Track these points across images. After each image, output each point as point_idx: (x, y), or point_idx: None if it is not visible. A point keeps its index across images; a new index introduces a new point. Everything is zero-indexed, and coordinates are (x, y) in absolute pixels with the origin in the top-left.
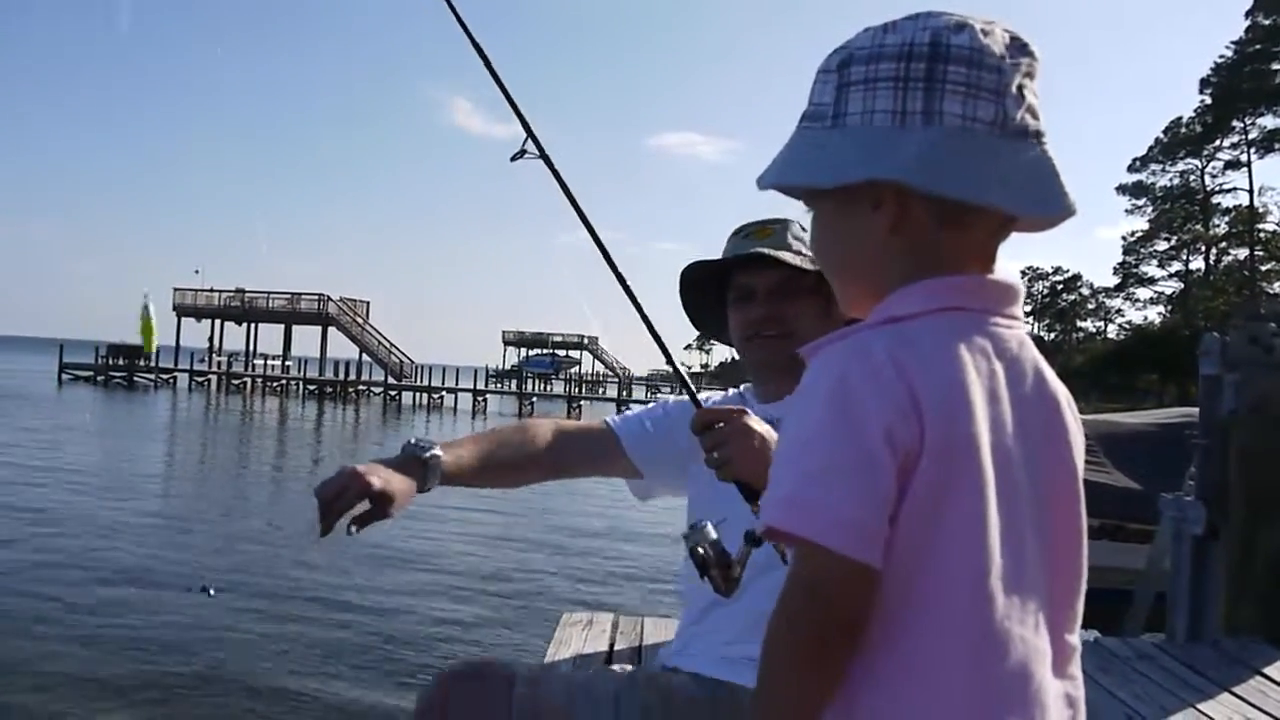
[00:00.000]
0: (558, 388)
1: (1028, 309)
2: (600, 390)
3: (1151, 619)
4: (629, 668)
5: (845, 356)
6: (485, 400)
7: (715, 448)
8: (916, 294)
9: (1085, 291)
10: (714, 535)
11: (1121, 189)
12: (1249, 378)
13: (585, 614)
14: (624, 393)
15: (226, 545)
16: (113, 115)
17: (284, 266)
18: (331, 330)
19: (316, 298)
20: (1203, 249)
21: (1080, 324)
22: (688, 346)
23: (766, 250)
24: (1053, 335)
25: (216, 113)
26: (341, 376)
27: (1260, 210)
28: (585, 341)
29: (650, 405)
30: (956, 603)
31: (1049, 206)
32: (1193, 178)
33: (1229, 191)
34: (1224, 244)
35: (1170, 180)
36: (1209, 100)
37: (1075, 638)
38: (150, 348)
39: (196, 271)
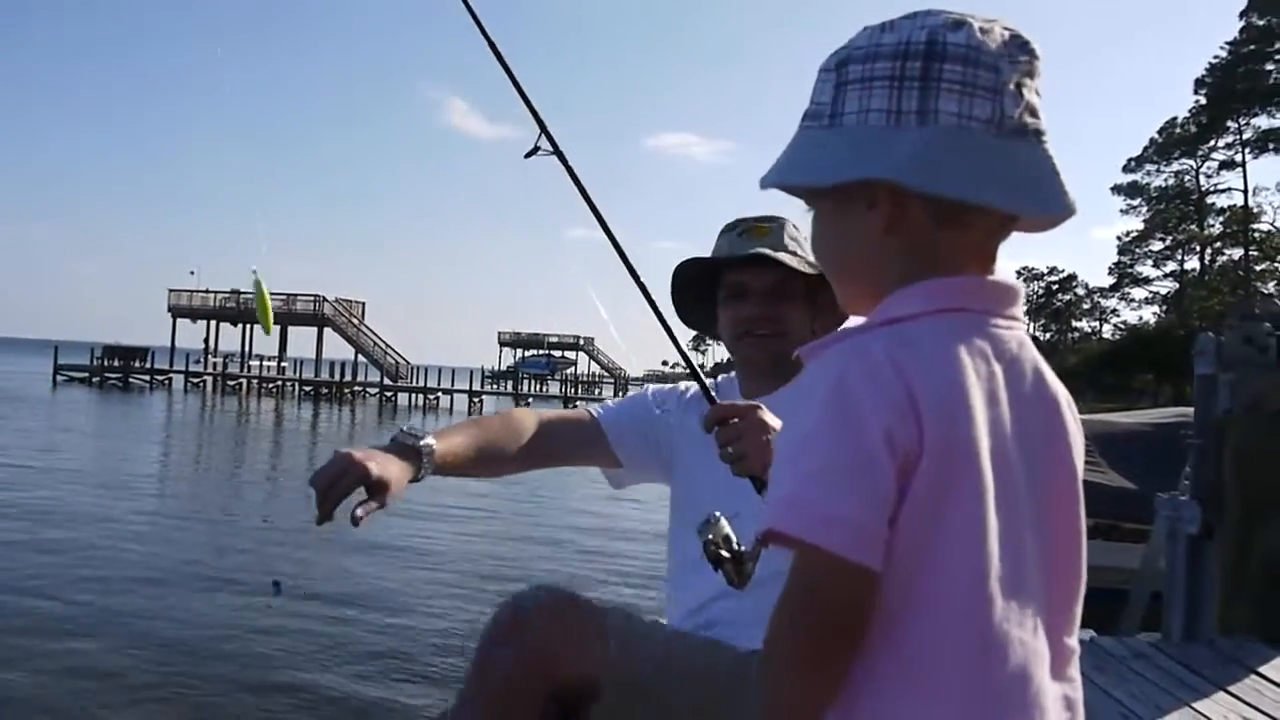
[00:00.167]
0: (553, 389)
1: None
2: (596, 391)
3: (1147, 618)
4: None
5: (845, 357)
6: (481, 401)
7: (730, 443)
8: (916, 295)
9: (1080, 291)
10: (727, 529)
11: (1116, 189)
12: (1244, 377)
13: None
14: (620, 393)
15: (226, 544)
16: (111, 116)
17: (280, 267)
18: (327, 331)
19: (312, 298)
20: (1198, 249)
21: (1075, 324)
22: (686, 346)
23: (766, 251)
24: (1048, 335)
25: (214, 113)
26: (337, 377)
27: (1255, 210)
28: (581, 342)
29: (632, 395)
30: (956, 605)
31: (1048, 206)
32: (1187, 178)
33: (1224, 191)
34: (1219, 244)
35: (1165, 180)
36: (1204, 100)
37: (1074, 640)
38: (269, 327)
39: (192, 273)
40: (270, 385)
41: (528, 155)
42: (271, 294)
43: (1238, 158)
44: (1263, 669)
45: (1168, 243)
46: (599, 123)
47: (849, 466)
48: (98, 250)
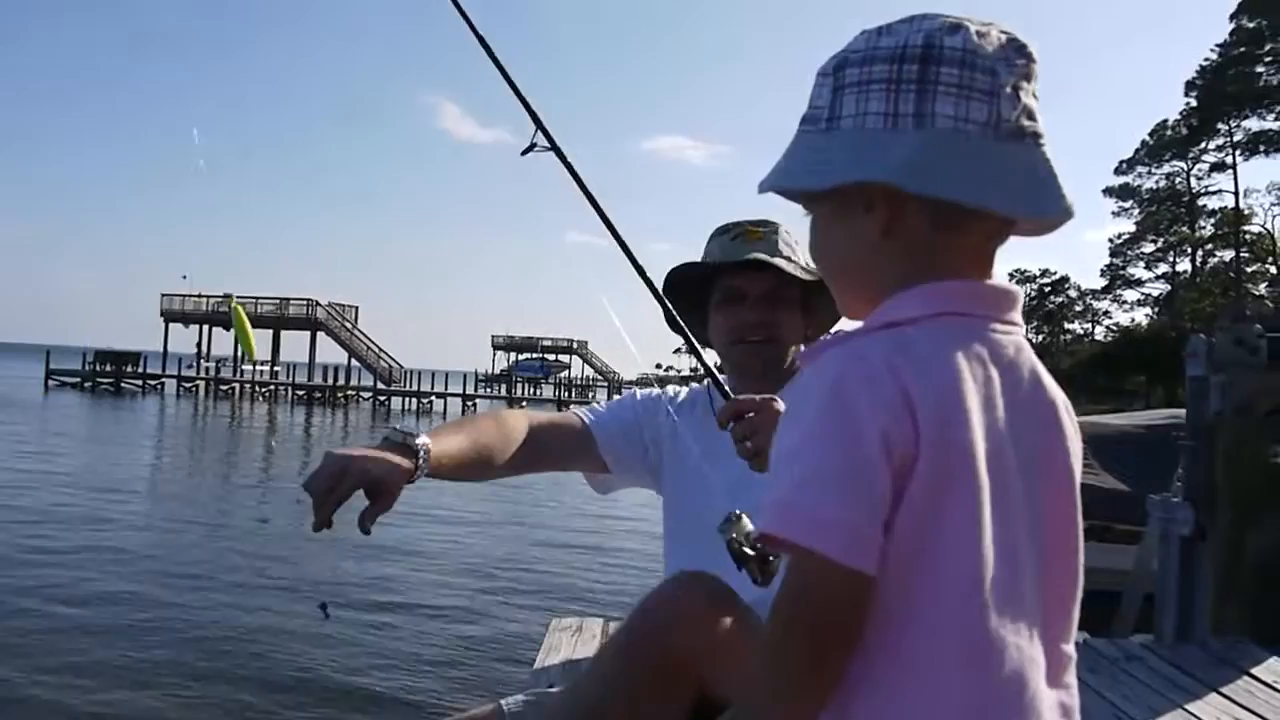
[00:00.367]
0: (547, 392)
1: None
2: (590, 394)
3: (1140, 620)
4: None
5: (842, 361)
6: (475, 405)
7: (747, 437)
8: (913, 299)
9: (1073, 294)
10: (749, 527)
11: (1108, 191)
12: (1235, 379)
13: (574, 619)
14: (614, 396)
15: (224, 547)
16: (105, 121)
17: (273, 270)
18: (320, 335)
19: (305, 303)
20: (1189, 251)
21: (1068, 326)
22: (677, 350)
23: (763, 256)
24: (1041, 337)
25: (209, 118)
26: (330, 381)
27: (1246, 212)
28: (574, 346)
29: (620, 399)
30: (951, 609)
31: (1046, 208)
32: (1179, 180)
33: (1215, 194)
34: (1210, 246)
35: (1156, 183)
36: (1194, 103)
37: (1070, 646)
38: (252, 352)
39: (184, 277)
40: (263, 390)
41: (524, 152)
42: (263, 298)
43: (1228, 160)
44: (1255, 670)
45: (1159, 245)
46: (594, 126)
47: (844, 470)
48: (90, 254)
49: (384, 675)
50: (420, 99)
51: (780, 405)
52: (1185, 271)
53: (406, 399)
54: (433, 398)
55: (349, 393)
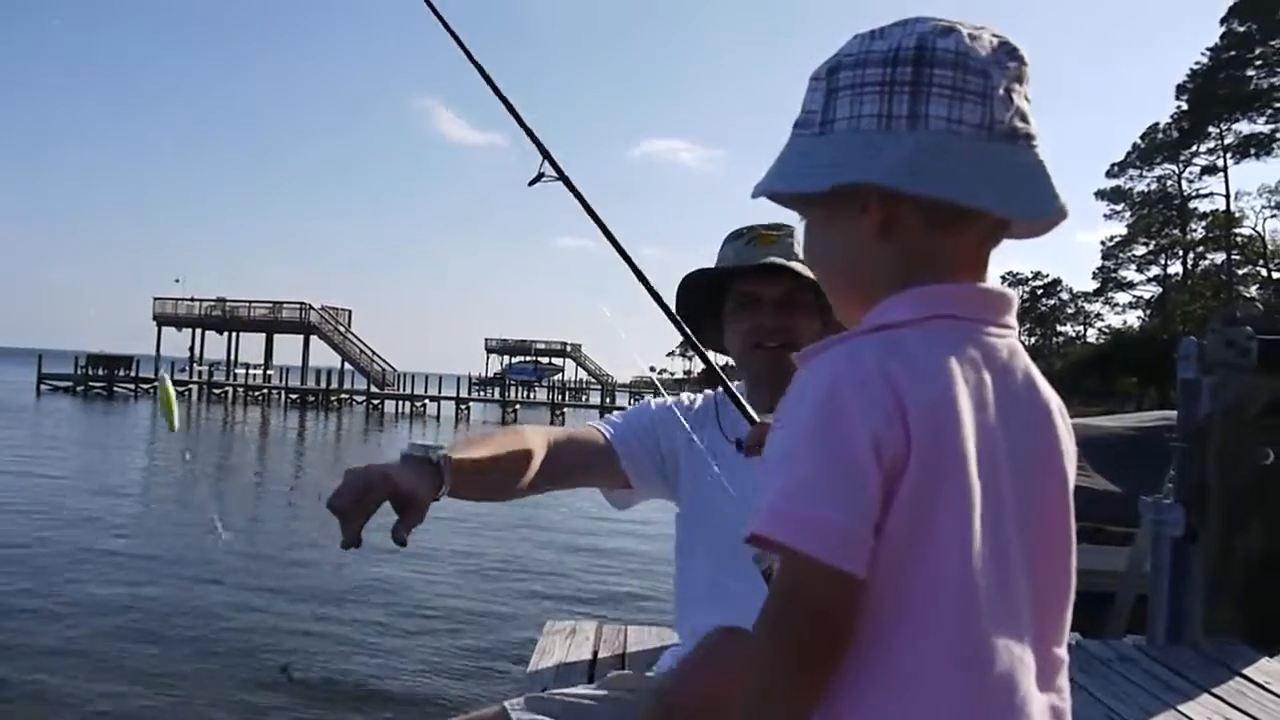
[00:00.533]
0: (540, 395)
1: None
2: (583, 398)
3: (1133, 621)
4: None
5: (835, 363)
6: (468, 408)
7: None
8: (907, 301)
9: (1065, 296)
10: None
11: (1100, 194)
12: (1225, 381)
13: (569, 622)
14: (607, 399)
15: (215, 543)
16: (97, 124)
17: (268, 273)
18: (313, 339)
19: (298, 306)
20: (1180, 253)
21: (1060, 328)
22: (670, 354)
23: (779, 260)
24: (1033, 340)
25: (203, 121)
26: (323, 385)
27: (1236, 215)
28: (568, 349)
29: (636, 409)
30: (941, 612)
31: (1039, 208)
32: (1170, 183)
33: (1206, 196)
34: (1201, 248)
35: (1148, 185)
36: (1185, 106)
37: (1063, 650)
38: (172, 425)
39: (177, 280)
40: (256, 393)
41: (532, 182)
42: (256, 302)
43: (1219, 163)
44: (1247, 671)
45: (1151, 247)
46: (588, 128)
47: (835, 472)
48: (82, 258)
49: (381, 674)
50: (415, 103)
51: None
52: (1177, 274)
53: (400, 402)
54: (426, 401)
55: (342, 396)
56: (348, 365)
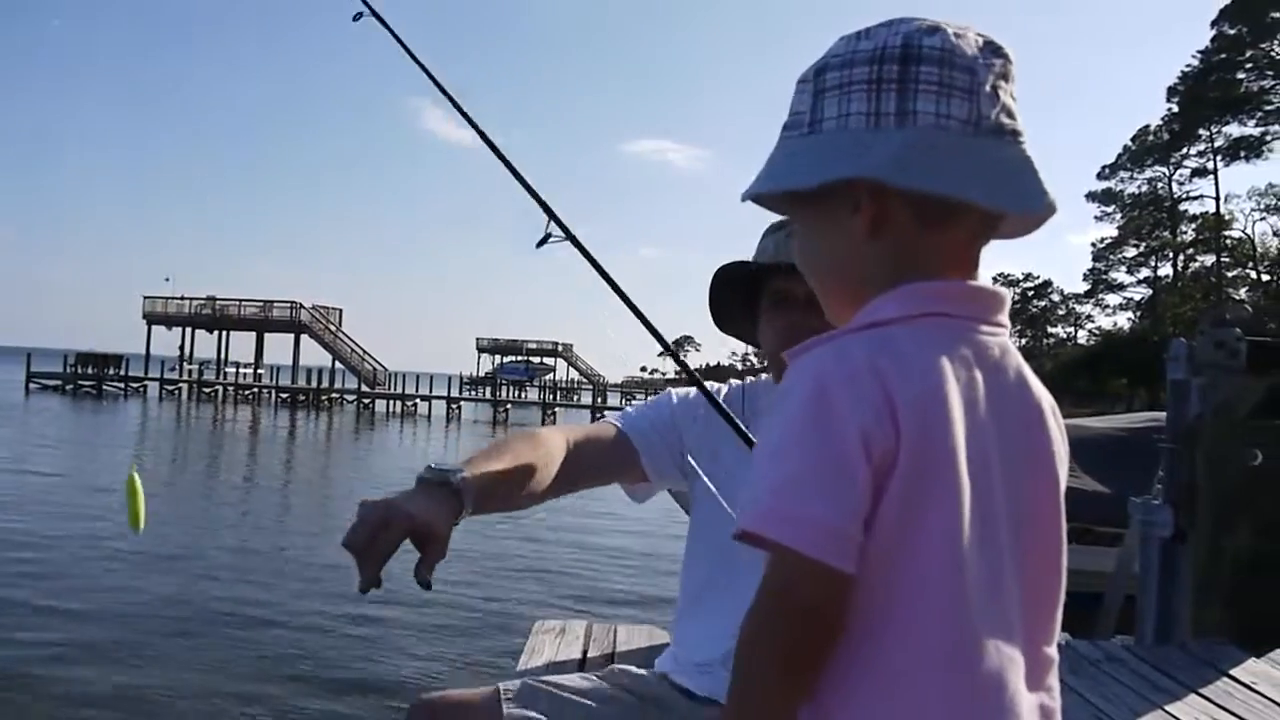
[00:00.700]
0: (532, 395)
1: None
2: (575, 397)
3: (1121, 622)
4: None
5: (824, 360)
6: (460, 408)
7: None
8: (898, 299)
9: (1056, 298)
10: None
11: (1091, 196)
12: (1215, 382)
13: (558, 621)
14: (598, 399)
15: (208, 541)
16: (92, 123)
17: (257, 271)
18: (304, 338)
19: (289, 305)
20: (1171, 255)
21: (1051, 330)
22: (661, 354)
23: None
24: (1024, 341)
25: (193, 120)
26: (314, 384)
27: (1226, 217)
28: (559, 348)
29: (654, 402)
30: (929, 610)
31: (1029, 203)
32: (1160, 185)
33: (1196, 198)
34: (1191, 250)
35: (1139, 187)
36: (1176, 108)
37: (1053, 649)
38: (136, 524)
39: (167, 279)
40: (246, 392)
41: (540, 244)
42: (247, 301)
43: (1210, 165)
44: (1234, 671)
45: (1141, 249)
46: (575, 128)
47: (824, 469)
48: (71, 255)
49: (366, 667)
50: (410, 101)
51: None
52: (1167, 276)
53: (391, 402)
54: (417, 400)
55: (333, 395)
56: (339, 364)
